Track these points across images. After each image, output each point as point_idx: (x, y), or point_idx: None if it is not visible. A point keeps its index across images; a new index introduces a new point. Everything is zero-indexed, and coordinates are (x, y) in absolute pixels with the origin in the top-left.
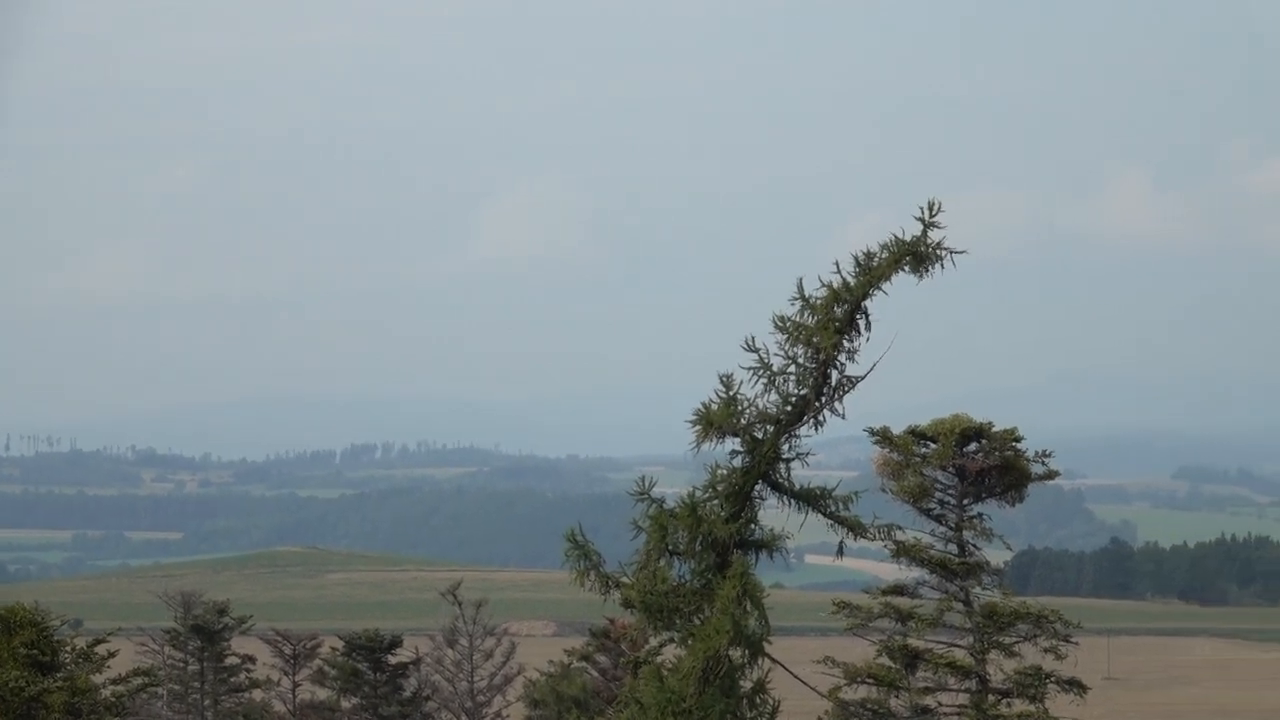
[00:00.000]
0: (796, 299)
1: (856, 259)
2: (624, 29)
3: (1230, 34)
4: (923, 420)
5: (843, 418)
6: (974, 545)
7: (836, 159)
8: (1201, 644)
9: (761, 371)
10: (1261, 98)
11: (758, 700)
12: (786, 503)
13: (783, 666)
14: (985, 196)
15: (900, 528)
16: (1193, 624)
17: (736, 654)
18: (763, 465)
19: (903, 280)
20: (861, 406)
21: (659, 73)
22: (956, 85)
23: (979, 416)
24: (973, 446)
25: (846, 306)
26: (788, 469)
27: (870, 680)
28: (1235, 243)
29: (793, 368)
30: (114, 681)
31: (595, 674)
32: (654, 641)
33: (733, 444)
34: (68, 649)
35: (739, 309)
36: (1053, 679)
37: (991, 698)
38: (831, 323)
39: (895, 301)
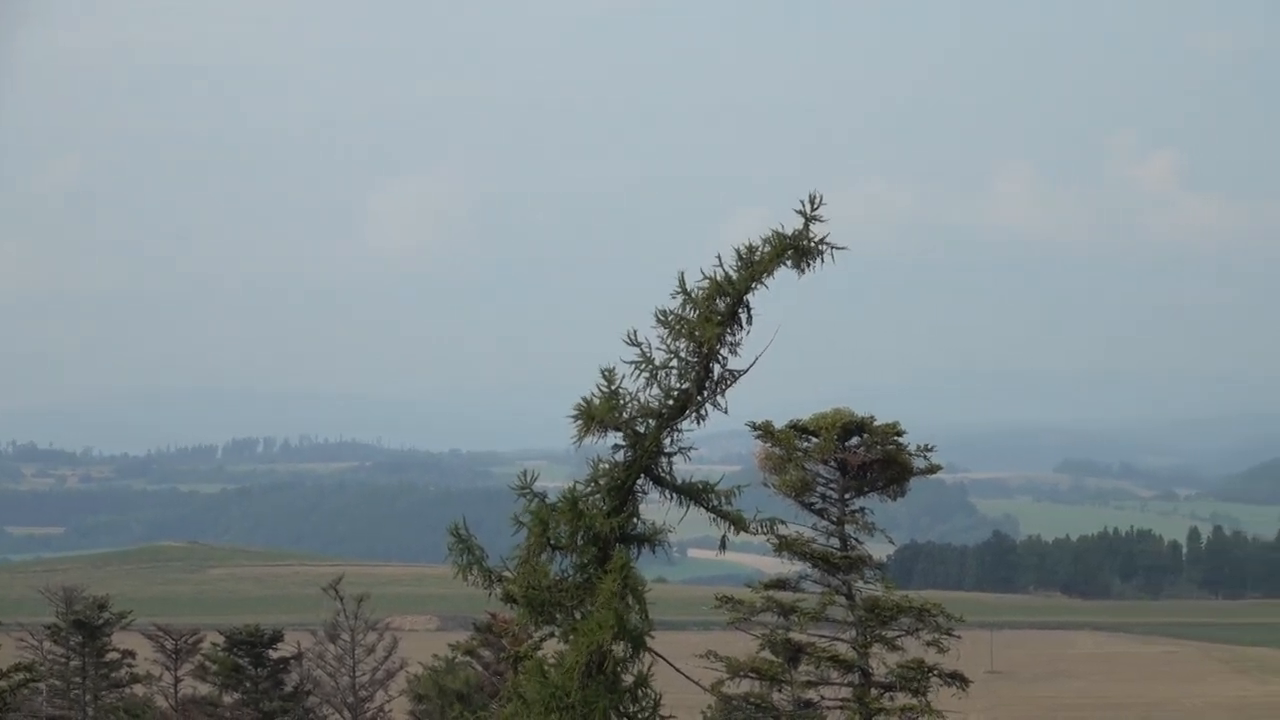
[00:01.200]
0: (679, 293)
1: (739, 253)
2: (501, 27)
3: (1112, 28)
4: (804, 415)
5: (725, 412)
6: (856, 539)
7: (718, 156)
8: (1084, 637)
9: (644, 366)
10: (1146, 91)
11: (640, 694)
12: (668, 497)
13: (665, 660)
14: (869, 192)
15: (782, 522)
16: (1075, 617)
17: (619, 648)
18: (645, 459)
19: (785, 274)
20: (744, 401)
21: (541, 71)
22: (835, 84)
23: (861, 411)
24: (854, 441)
25: (729, 300)
26: (670, 463)
27: (753, 674)
28: (1120, 236)
29: (675, 362)
30: None
31: (478, 668)
32: (536, 636)
33: (615, 438)
34: None
35: (623, 304)
36: (935, 672)
37: (874, 691)
38: (713, 316)
39: (778, 295)
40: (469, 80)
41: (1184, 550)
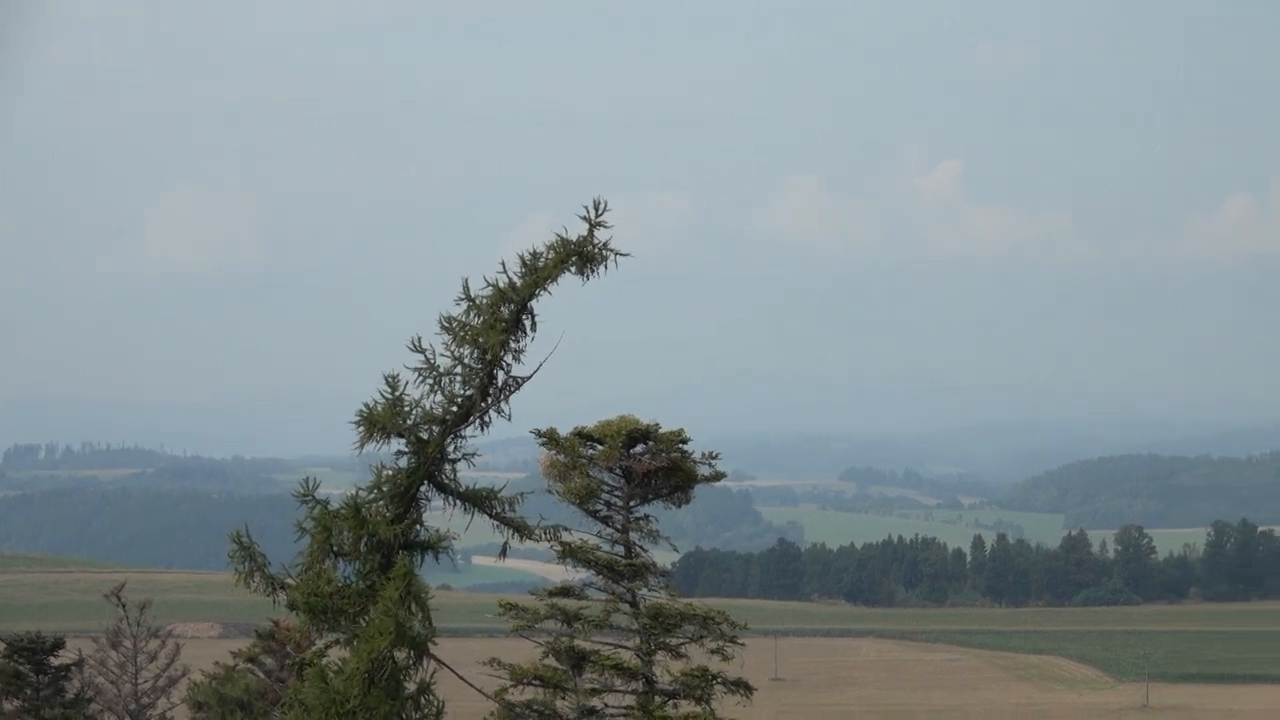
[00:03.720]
0: (463, 299)
1: (523, 259)
2: (286, 30)
3: (899, 40)
4: (589, 421)
5: (508, 418)
6: (641, 546)
7: (506, 161)
8: (868, 645)
9: (428, 372)
10: (934, 103)
11: (423, 701)
12: (452, 504)
13: (448, 668)
14: (655, 200)
15: (567, 529)
16: (859, 625)
17: (401, 655)
18: (428, 466)
19: (570, 280)
20: (529, 407)
21: (323, 76)
22: (623, 91)
23: (647, 418)
24: (639, 448)
25: (513, 307)
26: (453, 470)
27: (536, 682)
28: (906, 246)
29: (459, 368)
30: None
31: (260, 675)
32: (319, 643)
33: (398, 445)
34: None
35: (408, 311)
36: (719, 680)
37: (658, 699)
38: (498, 323)
39: (562, 302)
40: (249, 85)
41: (967, 558)
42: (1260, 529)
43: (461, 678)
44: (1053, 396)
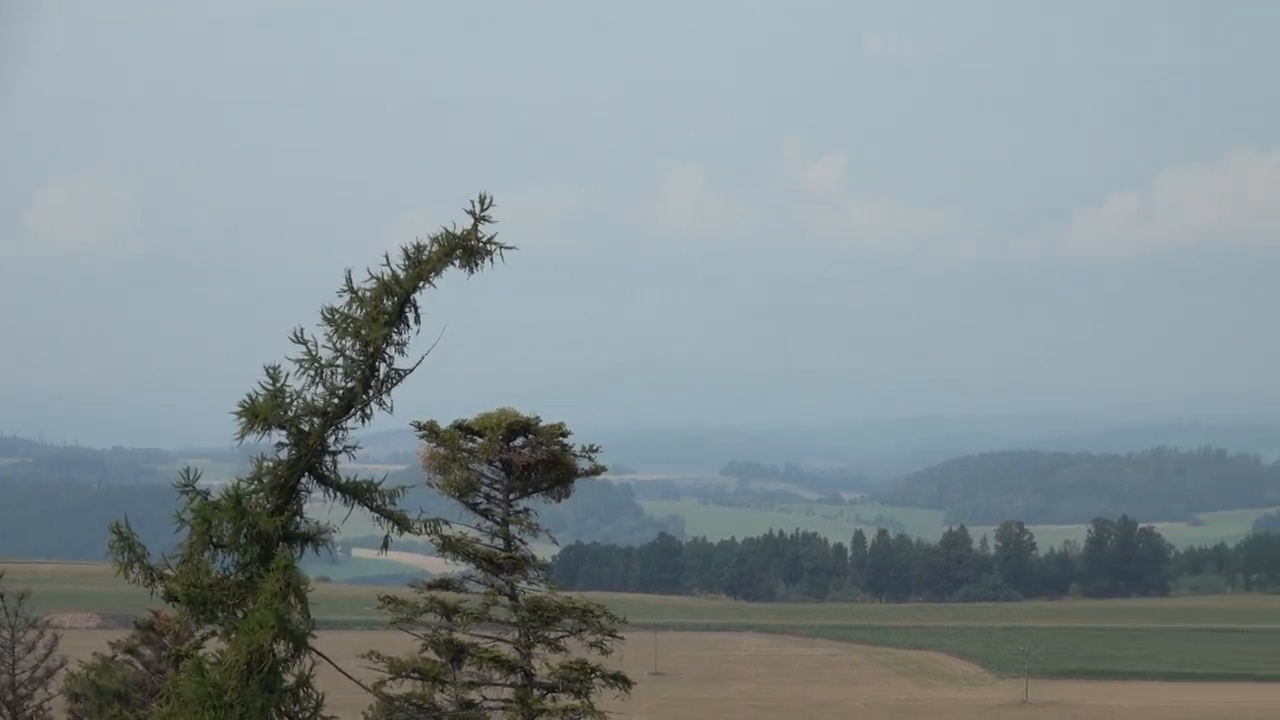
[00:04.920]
0: (346, 291)
1: (406, 252)
2: (164, 25)
3: (791, 31)
4: (470, 415)
5: (390, 411)
6: (520, 540)
7: (390, 156)
8: (748, 639)
9: (309, 364)
10: (820, 95)
11: (302, 694)
12: (333, 496)
13: (328, 660)
14: (540, 192)
15: (446, 522)
16: (739, 619)
17: (280, 648)
18: (309, 458)
19: (454, 274)
20: (411, 400)
21: (209, 69)
22: (515, 83)
23: (527, 411)
24: (519, 441)
25: (395, 299)
26: (334, 462)
27: (415, 674)
28: (790, 239)
29: (341, 360)
30: None
31: (139, 667)
32: (198, 634)
33: (279, 436)
34: None
35: (292, 301)
36: (598, 674)
37: (536, 692)
38: (380, 315)
39: (446, 295)
40: (135, 74)
41: (848, 553)
42: (1140, 526)
43: (341, 670)
44: (935, 392)
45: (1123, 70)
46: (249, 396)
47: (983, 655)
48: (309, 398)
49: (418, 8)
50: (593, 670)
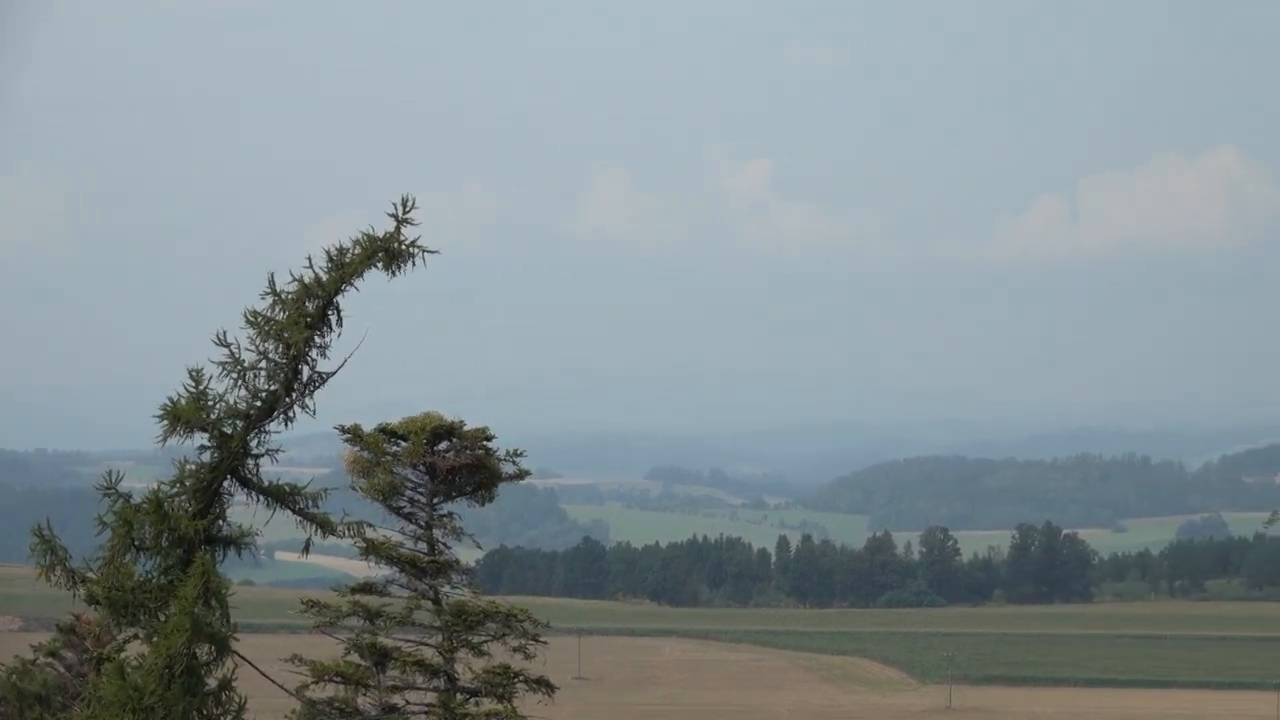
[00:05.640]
0: (269, 294)
1: (329, 254)
2: (87, 26)
3: (715, 37)
4: (395, 418)
5: (313, 414)
6: (444, 544)
7: (317, 156)
8: (671, 644)
9: (232, 366)
10: (738, 103)
11: (224, 698)
12: (255, 499)
13: (250, 664)
14: (467, 196)
15: (370, 525)
16: (663, 624)
17: (201, 651)
18: (231, 461)
19: (376, 276)
20: (334, 403)
21: (131, 70)
22: (429, 88)
23: (451, 415)
24: (444, 445)
25: (318, 302)
26: (257, 465)
27: (338, 678)
28: (715, 243)
29: (264, 363)
30: None
31: (60, 670)
32: (120, 638)
33: (201, 439)
34: None
35: (217, 304)
36: (521, 678)
37: (460, 696)
38: (303, 318)
39: (371, 298)
40: (59, 77)
41: (773, 559)
42: (1064, 532)
43: (263, 674)
44: (860, 397)
45: (1042, 74)
46: (171, 399)
47: (906, 661)
48: (232, 400)
49: (338, 9)
50: (516, 675)
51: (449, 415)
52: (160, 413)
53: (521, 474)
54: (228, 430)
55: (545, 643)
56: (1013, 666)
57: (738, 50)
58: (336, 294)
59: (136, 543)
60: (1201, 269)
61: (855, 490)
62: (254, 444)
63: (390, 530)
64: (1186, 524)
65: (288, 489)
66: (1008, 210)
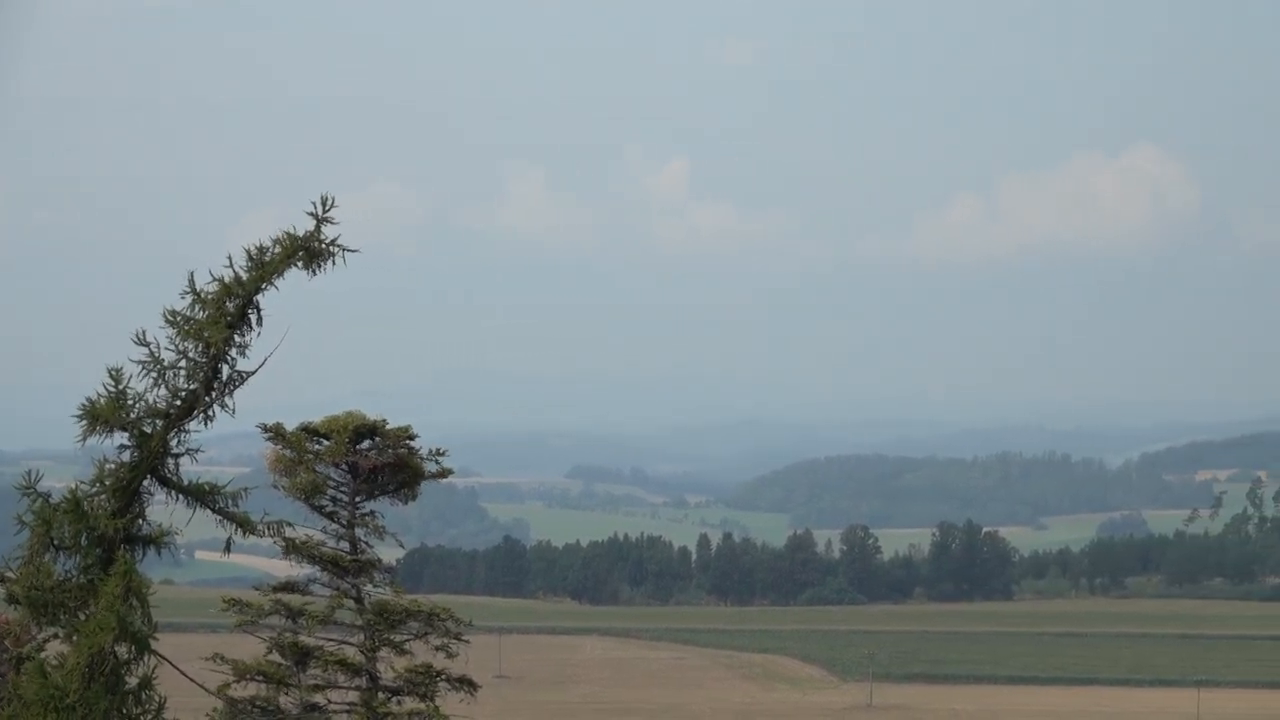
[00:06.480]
0: (188, 293)
1: (249, 254)
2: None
3: (633, 35)
4: (316, 417)
5: (232, 414)
6: (366, 543)
7: (230, 156)
8: (592, 642)
9: (152, 366)
10: (653, 103)
11: (144, 697)
12: (175, 498)
13: (170, 663)
14: (386, 194)
15: (291, 524)
16: (584, 623)
17: (122, 650)
18: (151, 460)
19: (297, 275)
20: (255, 402)
21: (41, 66)
22: (351, 86)
23: (373, 413)
24: (366, 444)
25: (239, 301)
26: (177, 464)
27: (260, 677)
28: (633, 243)
29: (184, 362)
30: None
31: None
32: (39, 637)
33: (121, 438)
34: None
35: (135, 303)
36: (443, 677)
37: (382, 695)
38: (223, 317)
39: (290, 298)
40: None
41: (694, 557)
42: (985, 530)
43: (184, 673)
44: (781, 396)
45: (962, 71)
46: (90, 399)
47: (827, 659)
48: (151, 400)
49: (253, 6)
50: (438, 673)
51: (371, 414)
52: (79, 412)
53: (444, 472)
54: (147, 429)
55: (467, 641)
56: (933, 664)
57: (656, 50)
58: (257, 293)
59: (56, 542)
60: (1123, 269)
61: (776, 489)
62: (174, 443)
63: (312, 529)
64: (1107, 522)
65: (207, 488)
66: (927, 208)
